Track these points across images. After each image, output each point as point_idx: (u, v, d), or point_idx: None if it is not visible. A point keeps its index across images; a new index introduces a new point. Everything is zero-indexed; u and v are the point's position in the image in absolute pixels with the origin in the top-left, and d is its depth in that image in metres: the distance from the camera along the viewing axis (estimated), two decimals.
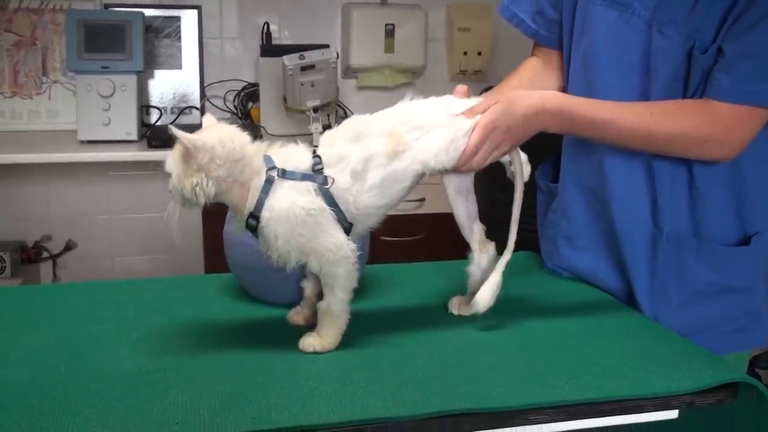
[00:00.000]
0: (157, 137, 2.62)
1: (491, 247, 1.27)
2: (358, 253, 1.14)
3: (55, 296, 1.38)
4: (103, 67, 2.63)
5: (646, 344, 1.20)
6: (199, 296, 1.37)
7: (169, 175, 1.10)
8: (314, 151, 1.14)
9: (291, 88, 2.52)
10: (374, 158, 1.13)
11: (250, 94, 3.02)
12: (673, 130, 1.23)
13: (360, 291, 1.37)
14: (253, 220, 1.11)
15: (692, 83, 1.24)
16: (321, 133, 2.58)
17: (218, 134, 1.09)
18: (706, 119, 1.22)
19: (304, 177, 1.11)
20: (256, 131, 2.75)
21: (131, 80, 2.66)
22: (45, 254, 2.96)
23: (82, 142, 2.64)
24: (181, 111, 2.96)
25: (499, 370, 1.09)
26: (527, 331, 1.23)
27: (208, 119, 1.16)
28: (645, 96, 1.29)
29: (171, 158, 1.10)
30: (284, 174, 1.10)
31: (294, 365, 1.10)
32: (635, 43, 1.28)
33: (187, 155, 1.07)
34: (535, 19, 1.46)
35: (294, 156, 1.13)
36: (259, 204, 1.10)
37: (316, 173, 1.11)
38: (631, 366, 1.11)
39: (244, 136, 1.12)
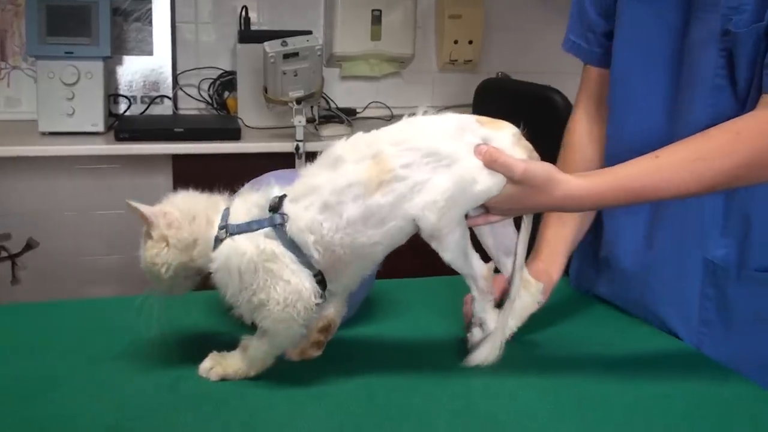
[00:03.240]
0: (125, 129, 2.44)
1: (534, 285, 1.07)
2: (318, 301, 0.96)
3: (32, 317, 1.20)
4: (66, 53, 2.45)
5: (713, 391, 1.03)
6: (186, 317, 1.18)
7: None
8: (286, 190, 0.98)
9: (272, 77, 2.33)
10: (350, 188, 0.93)
11: (226, 83, 2.87)
12: (732, 164, 0.97)
13: (365, 314, 1.19)
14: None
15: (741, 81, 1.03)
16: (304, 126, 2.42)
17: (175, 200, 1.01)
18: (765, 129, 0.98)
19: (251, 225, 0.96)
20: (233, 123, 2.56)
21: (97, 67, 2.48)
22: (3, 254, 2.76)
23: (44, 133, 2.48)
24: (152, 100, 2.79)
25: (543, 423, 0.92)
26: (567, 371, 1.06)
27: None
28: (675, 102, 1.10)
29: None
30: (231, 230, 0.96)
31: (297, 407, 0.93)
32: (664, 41, 1.11)
33: (148, 226, 0.98)
34: (587, 38, 1.27)
35: (249, 202, 0.98)
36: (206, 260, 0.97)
37: (273, 213, 0.95)
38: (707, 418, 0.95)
39: (201, 197, 1.02)
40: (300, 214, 0.94)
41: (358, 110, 2.94)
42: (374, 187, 0.93)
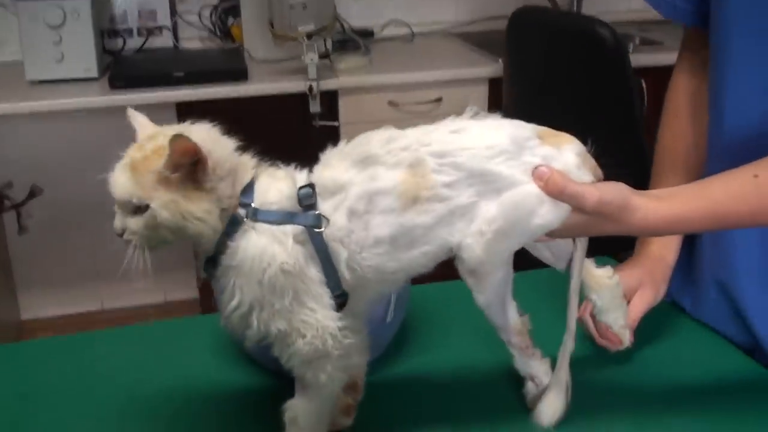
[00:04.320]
0: (120, 76, 2.21)
1: (606, 276, 0.89)
2: (348, 340, 0.78)
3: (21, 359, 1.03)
4: None
5: None
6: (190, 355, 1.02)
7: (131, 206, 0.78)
8: (309, 177, 0.78)
9: (278, 11, 2.08)
10: (381, 197, 0.75)
11: (228, 9, 2.62)
12: None
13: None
14: (211, 266, 0.77)
15: None
16: (317, 63, 2.18)
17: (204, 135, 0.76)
18: None
19: (284, 217, 0.75)
20: (238, 61, 2.32)
21: (84, 3, 2.23)
22: (7, 203, 2.60)
23: (33, 82, 2.26)
24: (150, 32, 2.57)
25: None
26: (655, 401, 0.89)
27: (140, 122, 0.81)
28: None
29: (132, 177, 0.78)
30: (256, 215, 0.75)
31: None
32: None
33: (195, 168, 0.73)
34: None
35: (276, 184, 0.77)
36: (220, 246, 0.75)
37: (305, 209, 0.75)
38: None
39: (227, 143, 0.79)
40: (334, 218, 0.76)
41: (375, 31, 2.69)
42: (409, 202, 0.75)
